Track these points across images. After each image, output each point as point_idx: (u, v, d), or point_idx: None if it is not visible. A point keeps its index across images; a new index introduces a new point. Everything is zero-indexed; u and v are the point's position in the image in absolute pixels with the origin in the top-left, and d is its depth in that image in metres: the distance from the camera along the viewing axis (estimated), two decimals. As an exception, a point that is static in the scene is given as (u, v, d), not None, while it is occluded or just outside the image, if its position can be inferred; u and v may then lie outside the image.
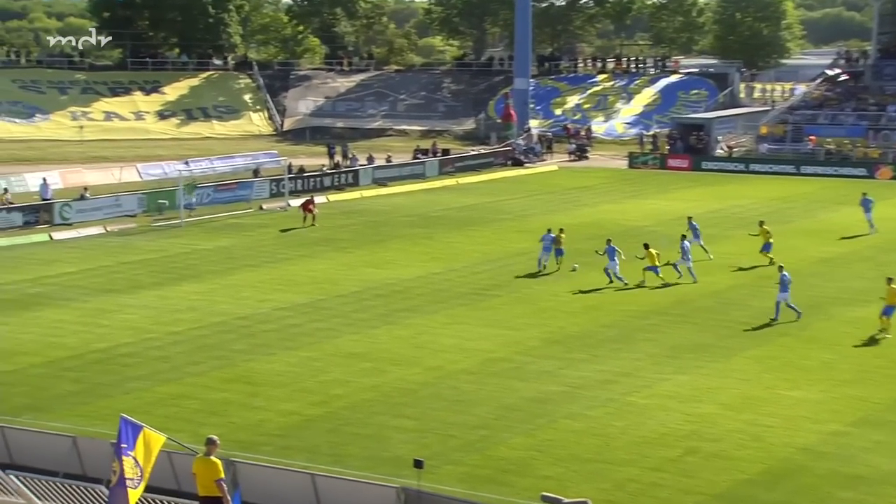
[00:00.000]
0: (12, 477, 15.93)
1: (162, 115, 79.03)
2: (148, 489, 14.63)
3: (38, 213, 44.74)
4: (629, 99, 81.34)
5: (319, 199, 51.91)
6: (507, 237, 41.83)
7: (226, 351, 26.59)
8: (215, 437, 15.66)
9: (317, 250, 39.58)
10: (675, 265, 33.92)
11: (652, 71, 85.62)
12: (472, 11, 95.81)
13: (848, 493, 18.46)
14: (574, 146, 70.52)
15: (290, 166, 54.76)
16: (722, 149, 67.70)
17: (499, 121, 75.49)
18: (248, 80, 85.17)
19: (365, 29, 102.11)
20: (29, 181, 52.56)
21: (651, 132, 72.47)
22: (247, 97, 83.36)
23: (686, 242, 34.40)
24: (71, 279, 34.72)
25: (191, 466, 15.80)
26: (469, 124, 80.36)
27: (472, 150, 68.51)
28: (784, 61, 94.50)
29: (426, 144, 69.21)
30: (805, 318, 29.33)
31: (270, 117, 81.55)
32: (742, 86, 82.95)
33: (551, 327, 28.86)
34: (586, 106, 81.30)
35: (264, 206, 49.74)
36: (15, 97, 76.29)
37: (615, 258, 33.28)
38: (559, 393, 23.46)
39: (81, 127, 73.42)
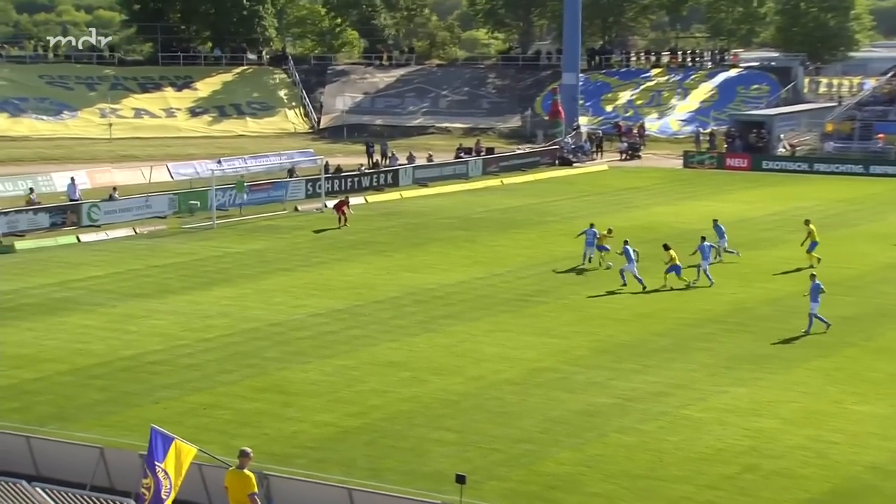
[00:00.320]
0: (38, 490, 16.14)
1: (194, 112, 79.76)
2: (177, 503, 14.75)
3: (66, 214, 45.33)
4: (685, 95, 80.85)
5: (357, 200, 52.14)
6: (554, 240, 41.74)
7: (258, 359, 26.77)
8: (248, 450, 15.77)
9: (353, 254, 39.75)
10: (696, 267, 34.35)
11: (709, 65, 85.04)
12: (519, 2, 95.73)
13: (918, 515, 18.22)
14: (626, 145, 70.22)
15: (326, 166, 55.01)
16: (784, 147, 67.08)
17: (546, 118, 75.35)
18: (284, 76, 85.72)
19: (406, 21, 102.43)
20: (56, 181, 53.35)
21: (708, 130, 71.96)
22: (282, 93, 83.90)
23: (706, 244, 34.80)
24: (98, 283, 35.15)
25: (222, 480, 15.93)
26: (514, 121, 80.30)
27: (518, 149, 68.44)
28: (852, 54, 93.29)
29: (469, 143, 69.24)
30: (873, 327, 28.98)
31: (306, 114, 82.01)
32: (806, 80, 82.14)
33: (600, 335, 28.75)
34: (639, 102, 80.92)
35: (299, 208, 50.03)
36: (42, 93, 77.39)
37: (633, 259, 33.79)
38: (609, 405, 23.36)
39: (110, 124, 74.29)
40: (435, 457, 20.57)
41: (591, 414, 22.85)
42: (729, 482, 19.46)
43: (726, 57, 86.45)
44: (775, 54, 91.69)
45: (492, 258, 38.82)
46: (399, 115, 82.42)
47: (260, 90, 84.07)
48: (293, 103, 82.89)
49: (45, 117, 75.10)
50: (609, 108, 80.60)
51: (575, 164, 66.19)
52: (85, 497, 16.03)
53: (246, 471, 15.55)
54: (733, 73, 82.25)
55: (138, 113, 78.20)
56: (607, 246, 36.68)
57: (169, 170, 58.59)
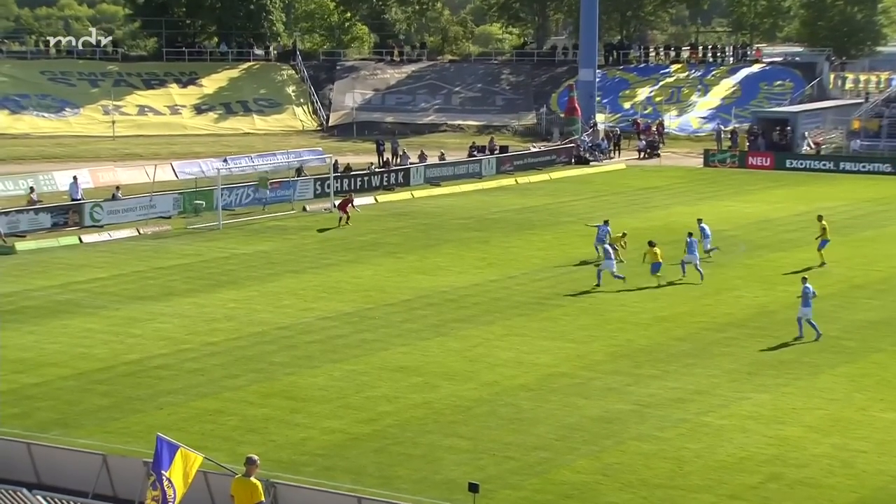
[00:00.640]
0: (39, 497, 16.21)
1: (199, 109, 79.98)
2: (182, 511, 14.80)
3: (68, 214, 45.49)
4: (705, 91, 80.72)
5: (367, 199, 52.26)
6: (571, 242, 41.72)
7: (266, 363, 26.83)
8: (255, 457, 15.80)
9: (364, 255, 39.81)
10: (694, 265, 35.06)
11: (731, 60, 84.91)
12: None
13: (948, 527, 18.15)
14: (644, 143, 70.14)
15: (335, 164, 55.10)
16: (808, 146, 66.90)
17: (562, 115, 75.32)
18: (292, 72, 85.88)
19: (417, 16, 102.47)
20: (58, 180, 53.55)
21: (729, 127, 71.80)
22: (290, 90, 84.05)
23: (693, 239, 35.55)
24: (101, 285, 35.28)
25: (229, 488, 15.96)
26: (529, 119, 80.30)
27: (533, 147, 68.41)
28: (879, 49, 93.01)
29: (483, 141, 69.27)
30: (901, 332, 28.86)
31: (315, 111, 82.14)
32: (831, 76, 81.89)
33: (618, 340, 28.73)
34: (658, 99, 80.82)
35: (308, 208, 50.12)
36: (44, 90, 77.70)
37: (612, 257, 34.61)
38: (627, 412, 23.34)
39: (113, 122, 74.54)
40: (447, 464, 20.58)
41: (608, 421, 22.83)
42: (751, 492, 19.42)
43: (749, 52, 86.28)
44: (800, 49, 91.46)
45: (506, 260, 38.81)
46: (410, 113, 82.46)
47: (267, 87, 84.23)
48: (301, 100, 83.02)
49: (46, 114, 75.39)
50: (627, 105, 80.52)
51: (592, 163, 66.15)
52: (87, 505, 16.12)
53: (253, 479, 15.58)
54: (756, 68, 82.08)
55: (142, 110, 78.44)
56: (615, 246, 36.83)
57: (173, 168, 58.74)
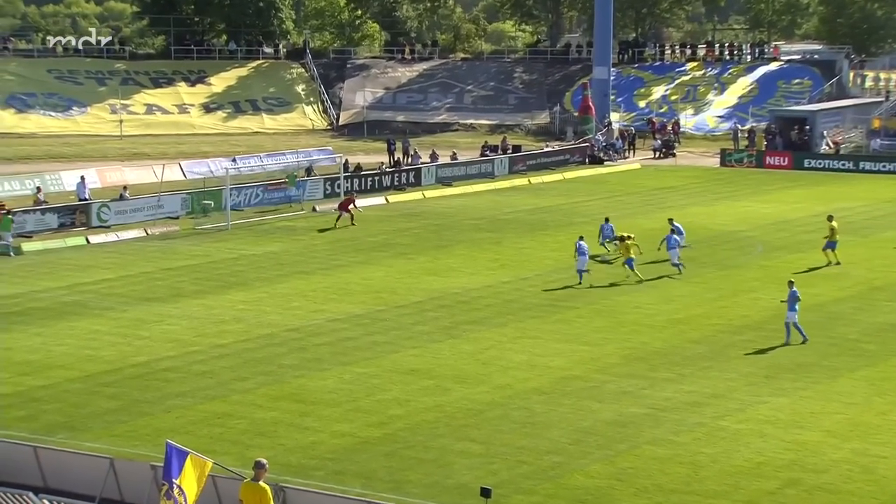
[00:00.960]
0: (45, 502, 16.28)
1: (207, 108, 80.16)
2: (190, 516, 14.83)
3: (75, 214, 45.62)
4: (722, 90, 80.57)
5: (378, 200, 52.33)
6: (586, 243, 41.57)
7: (275, 366, 26.87)
8: (264, 461, 15.83)
9: (374, 256, 39.84)
10: (672, 262, 35.98)
11: (748, 58, 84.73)
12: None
13: (970, 534, 18.08)
14: (659, 142, 70.05)
15: (346, 164, 55.18)
16: (827, 145, 66.71)
17: (576, 114, 75.29)
18: (301, 70, 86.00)
19: (429, 13, 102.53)
20: (65, 180, 53.73)
21: (746, 127, 71.65)
22: (299, 88, 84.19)
23: (672, 235, 36.48)
24: (109, 286, 35.38)
25: (237, 492, 15.99)
26: (543, 118, 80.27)
27: (546, 147, 68.38)
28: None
29: (495, 140, 69.26)
30: (921, 335, 28.76)
31: (325, 110, 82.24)
32: (851, 74, 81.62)
33: (633, 343, 28.70)
34: (674, 97, 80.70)
35: (318, 208, 50.19)
36: (51, 88, 77.95)
37: (585, 254, 35.19)
38: (641, 416, 23.32)
39: (121, 121, 74.76)
40: (459, 469, 20.58)
41: (622, 425, 22.81)
42: (769, 498, 19.38)
43: (766, 50, 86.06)
44: (818, 47, 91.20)
45: (519, 261, 38.80)
46: (422, 112, 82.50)
47: (276, 85, 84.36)
48: (311, 99, 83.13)
49: (53, 113, 75.63)
50: (642, 104, 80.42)
51: (606, 163, 66.08)
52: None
53: (262, 483, 15.60)
54: (774, 66, 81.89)
55: (150, 109, 78.64)
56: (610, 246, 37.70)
57: (182, 168, 58.89)
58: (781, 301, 29.13)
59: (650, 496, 19.46)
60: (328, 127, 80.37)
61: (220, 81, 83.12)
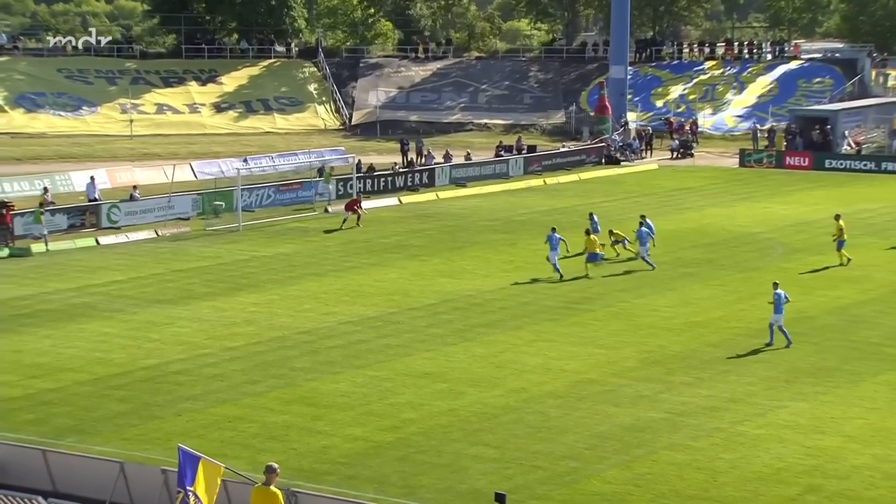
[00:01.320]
0: (54, 504, 16.34)
1: (219, 108, 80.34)
2: (201, 520, 14.87)
3: (84, 215, 45.76)
4: (741, 89, 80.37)
5: (391, 201, 52.38)
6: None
7: (286, 369, 26.92)
8: (275, 465, 15.85)
9: (387, 258, 39.87)
10: (642, 257, 37.07)
11: (768, 57, 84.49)
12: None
13: None
14: (677, 142, 69.92)
15: (358, 164, 55.22)
16: (849, 145, 66.47)
17: (592, 114, 75.20)
18: (314, 69, 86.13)
19: (443, 12, 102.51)
20: (75, 180, 53.90)
21: (766, 126, 71.48)
22: (311, 88, 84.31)
23: (643, 229, 37.27)
24: (119, 288, 35.50)
25: (248, 497, 16.02)
26: (558, 118, 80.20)
27: (562, 147, 68.34)
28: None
29: (510, 140, 69.23)
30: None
31: (337, 110, 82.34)
32: (873, 73, 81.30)
33: (650, 346, 28.65)
34: (692, 97, 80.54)
35: (330, 209, 50.25)
36: (60, 88, 78.23)
37: (557, 248, 36.08)
38: (659, 420, 23.28)
39: (131, 120, 74.99)
40: (473, 474, 20.58)
41: (639, 429, 22.78)
42: (788, 504, 19.34)
43: (786, 48, 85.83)
44: (840, 45, 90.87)
45: (534, 263, 38.75)
46: (435, 111, 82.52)
47: (288, 84, 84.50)
48: (323, 98, 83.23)
49: (63, 113, 75.90)
50: (659, 104, 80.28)
51: (623, 163, 65.99)
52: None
53: (273, 487, 15.63)
54: (794, 65, 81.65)
55: (160, 108, 78.85)
56: (626, 239, 38.33)
57: (192, 168, 59.02)
58: (769, 302, 29.08)
59: (667, 502, 19.42)
60: (340, 127, 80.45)
61: (232, 81, 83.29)
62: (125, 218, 46.20)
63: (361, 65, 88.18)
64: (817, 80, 79.21)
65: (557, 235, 36.48)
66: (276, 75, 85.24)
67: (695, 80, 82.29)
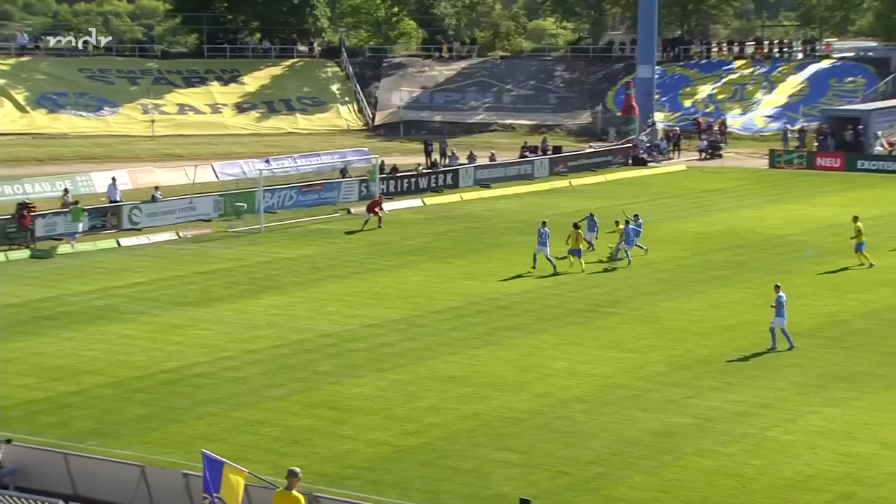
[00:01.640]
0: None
1: (241, 108, 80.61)
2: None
3: (106, 216, 45.97)
4: (771, 88, 79.99)
5: (414, 202, 52.43)
6: (628, 247, 41.47)
7: (309, 372, 26.97)
8: (297, 470, 15.88)
9: (411, 260, 39.90)
10: (625, 250, 38.26)
11: (799, 56, 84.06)
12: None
13: None
14: (706, 143, 69.66)
15: (381, 165, 55.29)
16: (881, 146, 66.04)
17: (619, 114, 75.03)
18: (337, 69, 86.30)
19: (467, 10, 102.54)
20: (96, 181, 54.18)
21: (797, 127, 71.13)
22: (334, 88, 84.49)
23: (630, 227, 38.52)
24: (140, 290, 35.66)
25: (270, 502, 16.05)
26: (584, 118, 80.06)
27: (588, 148, 68.20)
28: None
29: (535, 141, 69.16)
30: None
31: (360, 110, 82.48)
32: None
33: (677, 350, 28.56)
34: (720, 97, 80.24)
35: (353, 210, 50.33)
36: (82, 88, 78.68)
37: (546, 242, 37.09)
38: (687, 425, 23.20)
39: (153, 121, 75.35)
40: (498, 479, 20.57)
41: (667, 435, 22.70)
42: (819, 512, 19.24)
43: (818, 47, 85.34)
44: (873, 44, 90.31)
45: (559, 265, 38.69)
46: (460, 111, 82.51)
47: (311, 84, 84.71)
48: (346, 98, 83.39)
49: (84, 113, 76.31)
50: (688, 104, 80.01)
51: (650, 164, 65.80)
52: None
53: (295, 492, 15.66)
54: (825, 64, 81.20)
55: (182, 109, 79.18)
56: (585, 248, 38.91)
57: (214, 169, 59.23)
58: (771, 306, 28.95)
59: (696, 509, 19.36)
60: (363, 127, 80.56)
61: (254, 81, 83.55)
62: (147, 219, 46.40)
63: (385, 64, 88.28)
64: (849, 79, 78.74)
65: (547, 230, 37.59)
66: (298, 75, 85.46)
67: (724, 80, 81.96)
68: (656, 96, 75.69)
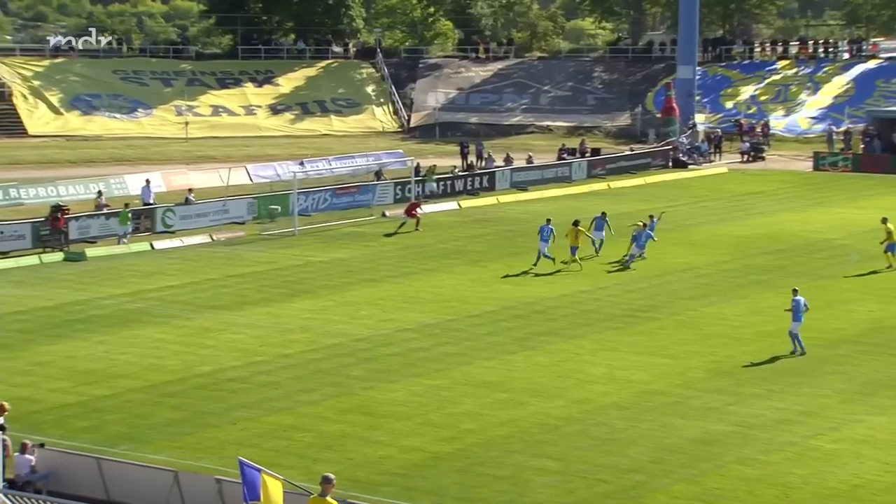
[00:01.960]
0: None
1: (275, 110, 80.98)
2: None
3: (139, 219, 46.26)
4: (815, 89, 79.42)
5: (450, 205, 52.45)
6: (667, 250, 41.33)
7: (342, 377, 27.03)
8: (331, 476, 15.92)
9: (446, 264, 39.91)
10: (640, 254, 38.90)
11: (844, 56, 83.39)
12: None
13: None
14: (748, 145, 69.28)
15: (417, 167, 55.36)
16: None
17: (658, 115, 74.74)
18: (372, 70, 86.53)
19: (504, 10, 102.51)
20: (129, 183, 54.60)
21: (842, 128, 70.57)
22: (369, 89, 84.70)
23: (645, 231, 39.15)
24: (173, 294, 35.89)
25: (303, 507, 16.10)
26: (623, 120, 79.83)
27: (627, 150, 68.00)
28: None
29: (573, 143, 69.02)
30: None
31: (396, 112, 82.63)
32: (956, 72, 79.94)
33: (718, 356, 28.40)
34: (763, 98, 79.77)
35: (388, 213, 50.42)
36: (116, 90, 79.30)
37: (549, 240, 38.13)
38: (728, 433, 23.07)
39: (186, 123, 75.84)
40: (534, 487, 20.52)
41: (707, 443, 22.58)
42: (865, 522, 19.06)
43: (864, 47, 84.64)
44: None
45: (598, 269, 38.60)
46: (496, 113, 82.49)
47: (346, 86, 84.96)
48: (381, 100, 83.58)
49: (118, 115, 76.89)
50: (729, 105, 79.59)
51: (690, 167, 65.50)
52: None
53: (329, 498, 15.69)
54: (872, 64, 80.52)
55: (216, 110, 79.65)
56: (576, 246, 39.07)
57: (248, 172, 59.53)
58: (786, 310, 28.70)
59: (737, 519, 19.24)
60: (399, 129, 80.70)
61: (288, 82, 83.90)
62: (180, 222, 46.67)
63: (420, 65, 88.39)
64: (897, 79, 78.06)
65: (550, 227, 38.55)
66: (333, 76, 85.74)
67: (766, 81, 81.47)
68: (697, 97, 75.34)
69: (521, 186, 58.05)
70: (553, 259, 38.13)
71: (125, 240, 43.75)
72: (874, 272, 37.24)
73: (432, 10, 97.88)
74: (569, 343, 29.69)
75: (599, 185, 58.90)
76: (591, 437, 22.90)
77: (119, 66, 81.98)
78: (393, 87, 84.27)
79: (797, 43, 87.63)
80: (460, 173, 58.37)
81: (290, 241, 44.74)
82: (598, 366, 27.67)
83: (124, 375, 27.25)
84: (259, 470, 14.96)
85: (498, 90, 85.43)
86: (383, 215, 50.16)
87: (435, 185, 54.03)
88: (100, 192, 49.15)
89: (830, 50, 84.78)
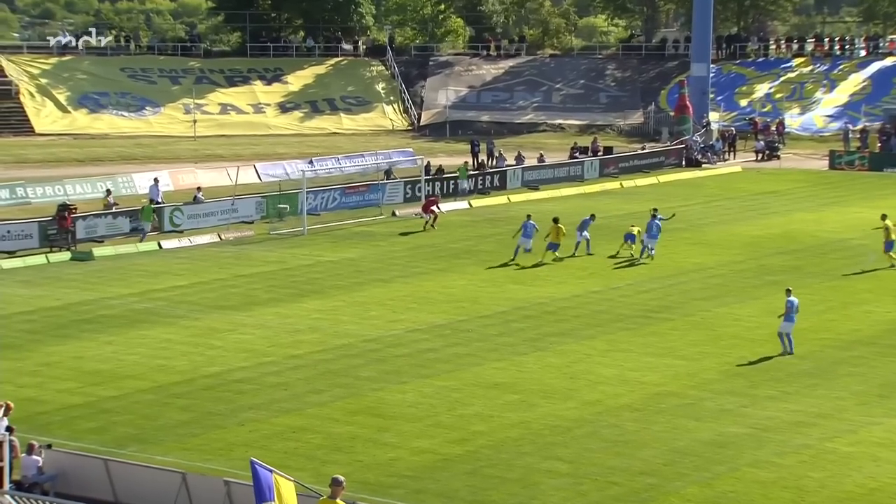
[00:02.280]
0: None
1: (284, 108, 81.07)
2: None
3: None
4: (831, 87, 79.26)
5: (461, 204, 52.46)
6: (680, 250, 41.33)
7: (352, 378, 27.07)
8: (341, 478, 15.95)
9: (456, 264, 39.94)
10: (649, 246, 39.35)
11: (861, 53, 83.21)
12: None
13: None
14: (762, 143, 69.17)
15: (427, 166, 55.40)
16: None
17: (672, 114, 74.69)
18: (382, 68, 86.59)
19: (516, 7, 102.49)
20: (137, 182, 54.73)
21: (858, 127, 70.45)
22: (379, 87, 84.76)
23: (655, 221, 39.72)
24: (181, 294, 35.97)
25: (312, 509, 16.15)
26: (636, 118, 79.77)
27: (640, 149, 67.95)
28: None
29: (585, 141, 69.01)
30: None
31: (406, 110, 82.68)
32: (975, 70, 79.71)
33: (731, 357, 28.38)
34: (778, 96, 79.62)
35: (398, 212, 50.47)
36: (124, 88, 79.46)
37: (531, 235, 39.13)
38: (742, 435, 23.05)
39: (195, 121, 75.97)
40: (545, 489, 20.54)
41: (721, 445, 22.57)
42: (880, 526, 19.04)
43: (881, 44, 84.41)
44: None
45: (609, 270, 38.61)
46: (507, 111, 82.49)
47: (355, 84, 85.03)
48: (391, 98, 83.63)
49: (126, 113, 77.05)
50: (744, 103, 79.47)
51: (704, 166, 65.44)
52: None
53: (338, 501, 15.73)
54: (889, 62, 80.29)
55: (224, 108, 79.75)
56: (557, 243, 39.36)
57: (256, 170, 59.63)
58: (779, 316, 28.68)
59: (751, 522, 19.23)
60: (409, 127, 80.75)
61: (297, 80, 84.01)
62: (188, 221, 46.76)
63: (431, 63, 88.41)
64: (914, 77, 77.87)
65: (532, 223, 39.79)
66: (342, 74, 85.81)
67: (782, 78, 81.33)
68: (711, 95, 75.24)
69: (532, 185, 58.06)
70: (516, 254, 39.22)
71: (145, 236, 44.10)
72: (876, 269, 37.02)
73: (443, 7, 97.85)
74: (580, 344, 29.71)
75: (612, 184, 58.87)
76: (603, 440, 22.91)
77: (127, 64, 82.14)
78: (403, 85, 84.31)
79: (813, 40, 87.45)
80: (471, 172, 58.27)
81: (299, 241, 44.81)
82: (610, 367, 27.68)
83: (132, 376, 27.33)
84: (271, 471, 15.00)
85: (509, 88, 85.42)
86: (393, 214, 50.22)
87: (467, 183, 54.50)
88: (108, 191, 49.24)
89: (847, 47, 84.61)
